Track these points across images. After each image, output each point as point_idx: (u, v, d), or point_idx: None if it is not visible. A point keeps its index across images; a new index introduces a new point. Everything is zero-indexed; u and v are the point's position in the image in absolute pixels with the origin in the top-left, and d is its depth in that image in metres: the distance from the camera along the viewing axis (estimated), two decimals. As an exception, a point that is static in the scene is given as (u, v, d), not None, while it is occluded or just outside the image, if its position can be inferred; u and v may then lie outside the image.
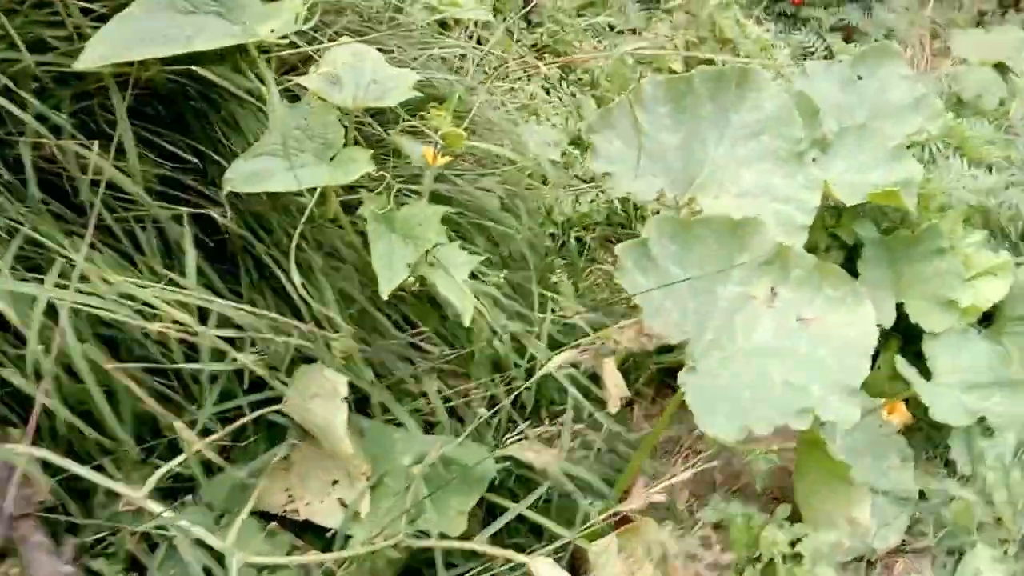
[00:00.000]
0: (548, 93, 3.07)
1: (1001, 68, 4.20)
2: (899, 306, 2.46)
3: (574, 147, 2.57)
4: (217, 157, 1.42)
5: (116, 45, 1.16)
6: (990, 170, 2.99)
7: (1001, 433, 2.27)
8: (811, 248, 2.41)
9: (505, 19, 3.12)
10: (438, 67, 1.79)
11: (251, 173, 1.26)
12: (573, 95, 3.28)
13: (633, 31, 3.98)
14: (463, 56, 2.00)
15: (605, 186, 2.13)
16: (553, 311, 2.01)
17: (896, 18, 4.25)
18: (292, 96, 1.48)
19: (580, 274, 2.55)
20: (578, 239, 2.79)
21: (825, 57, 3.93)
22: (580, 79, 3.34)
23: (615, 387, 1.97)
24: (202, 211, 1.33)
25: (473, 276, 1.66)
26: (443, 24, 2.01)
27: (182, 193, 1.41)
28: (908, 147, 2.48)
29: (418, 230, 1.50)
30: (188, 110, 1.43)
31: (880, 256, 2.44)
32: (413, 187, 1.64)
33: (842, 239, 2.50)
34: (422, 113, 1.57)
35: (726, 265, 1.82)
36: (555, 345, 2.02)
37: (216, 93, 1.41)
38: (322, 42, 1.58)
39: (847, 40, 4.18)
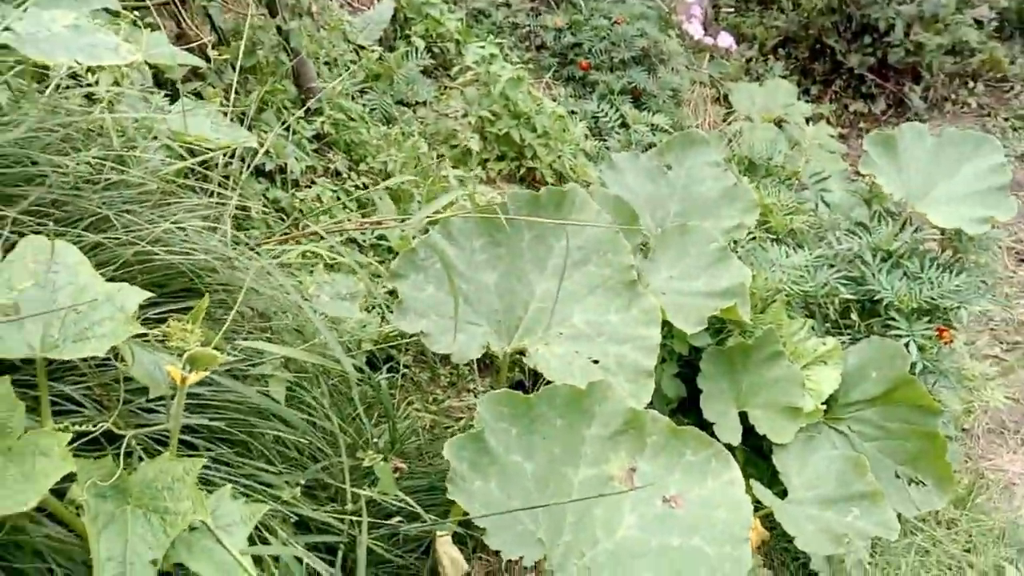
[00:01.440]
0: (338, 197, 2.66)
1: (779, 124, 4.33)
2: (743, 415, 2.31)
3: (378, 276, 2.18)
4: None
5: None
6: (799, 246, 2.96)
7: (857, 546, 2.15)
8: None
9: (280, 116, 2.68)
10: (177, 240, 1.34)
11: None
12: (365, 187, 2.90)
13: (424, 104, 3.67)
14: (218, 204, 1.55)
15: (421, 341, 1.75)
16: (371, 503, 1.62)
17: (679, 78, 4.25)
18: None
19: (395, 420, 2.17)
20: (391, 361, 2.41)
21: (621, 125, 3.82)
22: (371, 168, 2.96)
23: (452, 564, 1.62)
24: None
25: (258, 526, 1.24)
26: (185, 171, 1.56)
27: None
28: (730, 246, 2.34)
29: (165, 500, 1.05)
30: None
31: (719, 368, 2.27)
32: (153, 424, 1.19)
33: (677, 351, 2.30)
34: (162, 331, 1.12)
35: (575, 444, 1.52)
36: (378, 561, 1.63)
37: None
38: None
39: (636, 102, 4.12)
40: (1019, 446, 3.64)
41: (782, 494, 2.18)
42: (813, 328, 2.58)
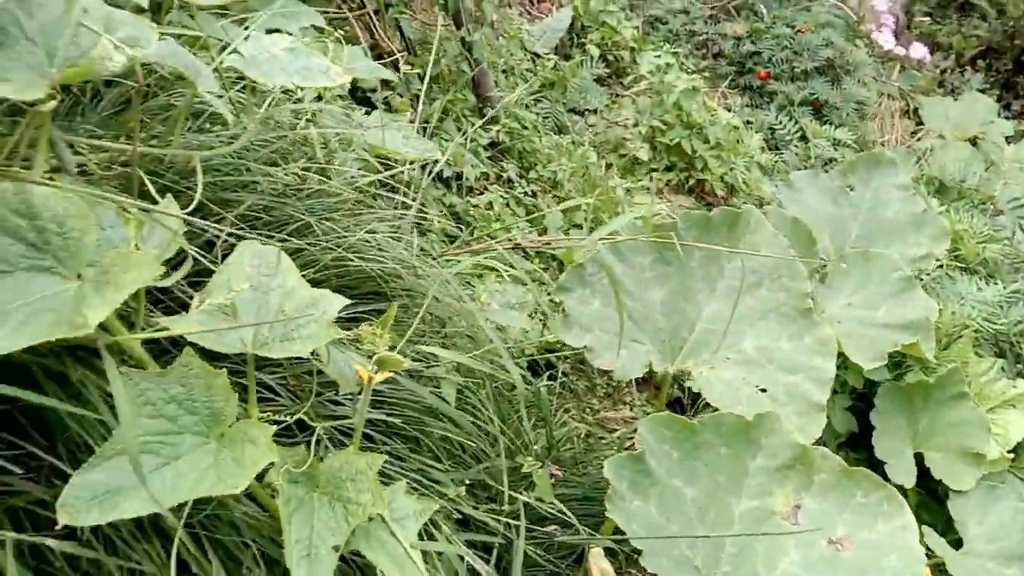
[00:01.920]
0: (508, 204, 2.74)
1: (975, 143, 4.02)
2: (918, 456, 2.17)
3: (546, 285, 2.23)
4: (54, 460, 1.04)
5: None
6: (992, 278, 2.75)
7: (1044, 610, 1.97)
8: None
9: (459, 125, 2.80)
10: (369, 247, 1.43)
11: (94, 495, 0.88)
12: (534, 194, 2.97)
13: (595, 112, 3.70)
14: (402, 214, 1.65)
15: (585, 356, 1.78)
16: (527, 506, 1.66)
17: (865, 90, 4.04)
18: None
19: (552, 427, 2.21)
20: (550, 369, 2.46)
21: (799, 138, 3.68)
22: (540, 176, 3.02)
23: (601, 576, 1.63)
24: (32, 538, 0.95)
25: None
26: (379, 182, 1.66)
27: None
28: (915, 276, 2.20)
29: (348, 490, 1.13)
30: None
31: (895, 405, 2.14)
32: (339, 417, 1.28)
33: (850, 383, 2.20)
34: (355, 334, 1.21)
35: (739, 475, 1.49)
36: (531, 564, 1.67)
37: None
38: (215, 238, 1.22)
39: (817, 115, 3.95)
40: None
41: (956, 544, 2.03)
42: (1003, 369, 2.38)
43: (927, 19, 5.90)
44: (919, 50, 4.55)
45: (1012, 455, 2.24)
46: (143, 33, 1.16)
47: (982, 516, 2.04)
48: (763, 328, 1.80)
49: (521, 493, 1.65)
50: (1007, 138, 4.67)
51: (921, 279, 2.57)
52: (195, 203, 1.16)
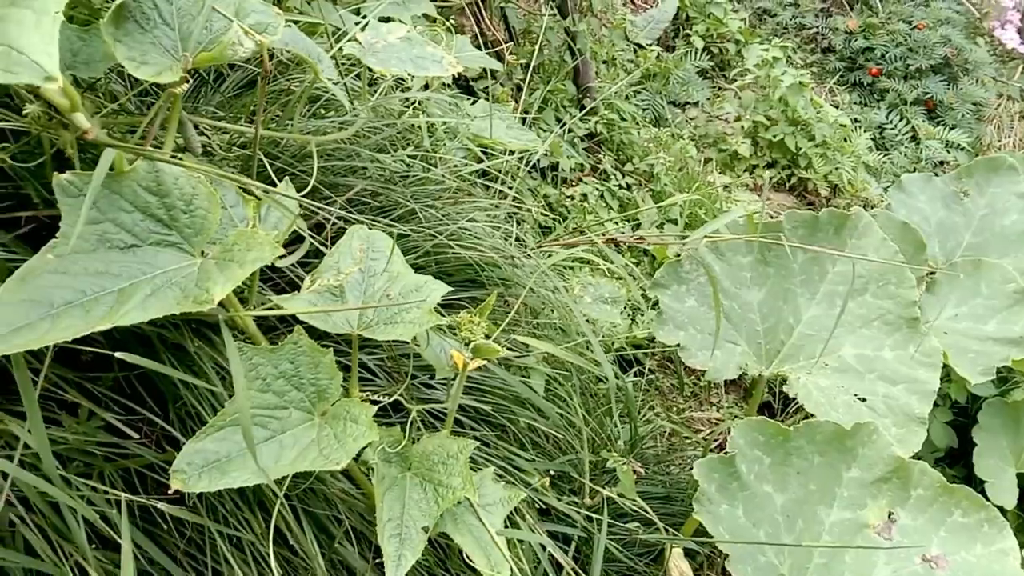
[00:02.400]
0: (602, 196, 2.74)
1: (1107, 148, 3.76)
2: (1020, 477, 2.07)
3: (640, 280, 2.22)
4: (167, 426, 1.10)
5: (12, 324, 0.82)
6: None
7: None
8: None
9: (559, 115, 2.80)
10: (467, 235, 1.46)
11: (205, 463, 0.93)
12: (628, 187, 2.95)
13: (696, 105, 3.64)
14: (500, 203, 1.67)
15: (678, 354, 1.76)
16: (609, 501, 1.67)
17: (983, 91, 3.83)
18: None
19: (637, 423, 2.20)
20: (636, 365, 2.45)
21: (910, 139, 3.53)
22: (636, 169, 3.00)
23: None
24: (144, 500, 1.01)
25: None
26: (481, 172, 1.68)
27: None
28: (1033, 289, 2.09)
29: (440, 473, 1.16)
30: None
31: (1000, 421, 2.05)
32: (431, 400, 1.31)
33: (952, 397, 2.12)
34: (454, 320, 1.24)
35: (831, 484, 1.46)
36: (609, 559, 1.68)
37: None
38: (326, 221, 1.26)
39: (930, 114, 3.78)
40: None
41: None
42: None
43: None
44: (1015, 38, 4.28)
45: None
46: (271, 20, 1.21)
47: (1090, 546, 1.93)
48: (865, 336, 1.74)
49: (604, 487, 1.66)
50: None
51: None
52: (311, 185, 1.20)
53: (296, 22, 1.50)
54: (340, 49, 1.36)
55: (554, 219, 2.48)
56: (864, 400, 1.65)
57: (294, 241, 1.20)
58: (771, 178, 3.31)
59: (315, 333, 1.12)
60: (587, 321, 1.86)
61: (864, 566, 1.41)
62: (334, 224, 1.32)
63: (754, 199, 3.12)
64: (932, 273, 2.10)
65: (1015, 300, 2.02)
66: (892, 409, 1.65)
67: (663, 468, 2.16)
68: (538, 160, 2.60)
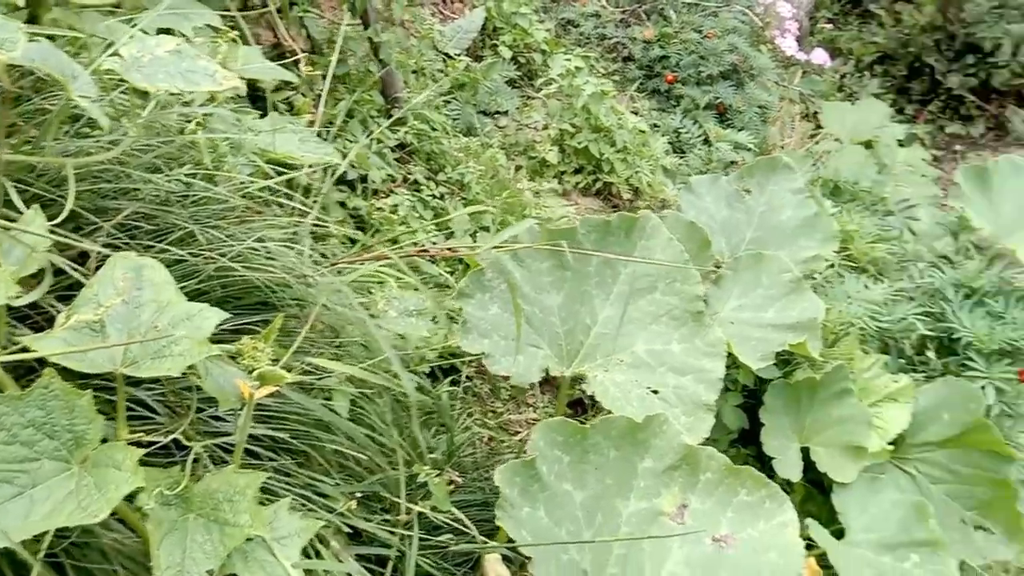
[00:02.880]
0: (415, 207, 2.73)
1: (870, 145, 4.21)
2: (805, 451, 2.27)
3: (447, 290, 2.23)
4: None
5: None
6: (880, 277, 2.89)
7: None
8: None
9: (366, 126, 2.77)
10: (257, 255, 1.41)
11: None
12: (441, 197, 2.96)
13: (506, 114, 3.72)
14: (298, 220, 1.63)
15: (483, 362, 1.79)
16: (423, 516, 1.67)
17: (767, 94, 4.18)
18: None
19: (453, 433, 2.22)
20: (454, 373, 2.46)
21: (703, 142, 3.78)
22: (448, 179, 3.02)
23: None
24: None
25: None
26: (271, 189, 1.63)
27: None
28: (805, 277, 2.30)
29: (225, 511, 1.11)
30: None
31: (783, 401, 2.23)
32: (222, 433, 1.26)
33: (741, 382, 2.28)
34: (236, 347, 1.19)
35: (627, 477, 1.53)
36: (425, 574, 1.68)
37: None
38: (87, 255, 1.18)
39: (721, 118, 4.07)
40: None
41: (839, 534, 2.13)
42: (886, 364, 2.51)
43: (829, 25, 6.14)
44: (820, 56, 4.73)
45: (892, 447, 2.37)
46: (10, 34, 1.12)
47: (863, 507, 2.15)
48: (655, 331, 1.85)
49: (418, 503, 1.66)
50: (899, 141, 4.91)
51: (814, 279, 2.69)
52: (66, 213, 1.12)
53: (52, 37, 1.39)
54: (100, 65, 1.28)
55: (364, 232, 2.45)
56: (656, 392, 1.75)
57: (54, 275, 1.11)
58: (578, 183, 3.44)
59: (76, 374, 1.04)
60: (398, 335, 1.86)
61: (660, 552, 1.49)
62: (99, 253, 1.23)
63: (563, 204, 3.23)
64: (718, 268, 2.26)
65: (791, 288, 2.22)
66: (682, 399, 1.76)
67: (482, 474, 2.19)
68: (346, 173, 2.56)
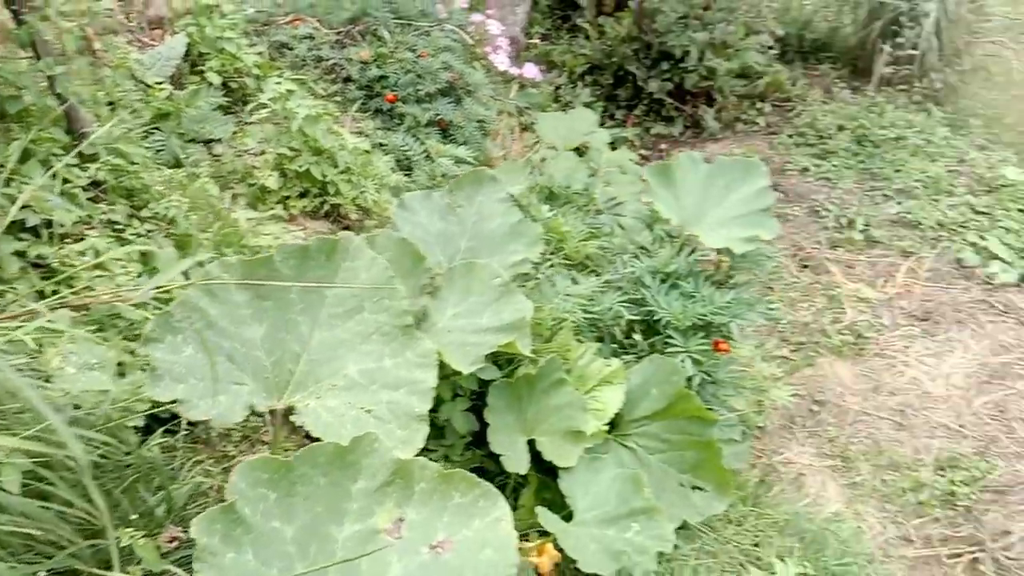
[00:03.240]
0: (114, 248, 2.54)
1: (581, 151, 4.54)
2: (532, 443, 2.39)
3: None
4: None
5: None
6: (594, 272, 3.12)
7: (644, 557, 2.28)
8: (437, 401, 2.24)
9: (48, 165, 2.53)
10: None
11: None
12: (148, 234, 2.78)
13: (220, 140, 3.58)
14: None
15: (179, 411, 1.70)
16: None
17: (484, 109, 4.36)
18: None
19: (168, 487, 2.09)
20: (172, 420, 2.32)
21: (427, 158, 3.87)
22: (154, 215, 2.85)
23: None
24: None
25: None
26: None
27: None
28: (515, 280, 2.43)
29: None
30: None
31: (505, 400, 2.34)
32: None
33: (467, 387, 2.37)
34: None
35: (339, 501, 1.53)
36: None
37: None
38: None
39: (444, 133, 4.20)
40: (807, 439, 3.97)
41: (570, 516, 2.27)
42: (600, 351, 2.72)
43: (543, 41, 6.55)
44: (531, 70, 5.03)
45: (612, 427, 2.57)
46: None
47: (587, 487, 2.31)
48: (367, 350, 1.86)
49: (128, 571, 1.55)
50: (612, 143, 5.34)
51: (536, 278, 2.85)
52: None
53: None
54: None
55: (47, 280, 2.24)
56: (371, 411, 1.77)
57: None
58: (305, 207, 3.39)
59: None
60: (84, 390, 1.71)
61: (379, 569, 1.50)
62: None
63: (288, 229, 3.16)
64: (433, 280, 2.32)
65: (501, 293, 2.33)
66: (396, 413, 1.79)
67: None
68: (24, 219, 2.33)
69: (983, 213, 5.00)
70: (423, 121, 4.11)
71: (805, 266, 4.86)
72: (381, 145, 4.00)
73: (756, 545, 3.07)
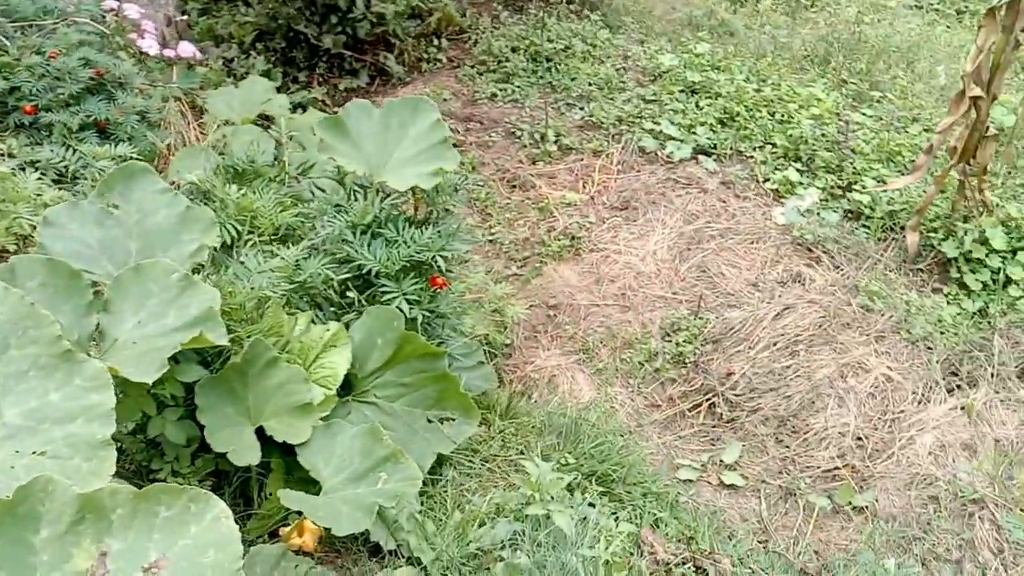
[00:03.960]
0: None
1: (268, 119, 4.35)
2: (261, 431, 2.30)
3: None
4: None
5: None
6: (289, 238, 3.02)
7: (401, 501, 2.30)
8: (144, 418, 2.08)
9: None
10: None
11: None
12: None
13: None
14: None
15: None
16: None
17: (142, 99, 4.02)
18: None
19: None
20: None
21: (83, 166, 3.51)
22: None
23: None
24: None
25: None
26: None
27: None
28: (195, 272, 2.28)
29: None
30: None
31: (218, 395, 2.22)
32: None
33: (176, 394, 2.21)
34: None
35: (24, 557, 1.36)
36: None
37: None
38: None
39: (103, 134, 3.82)
40: (551, 343, 4.20)
41: (320, 491, 2.23)
42: (317, 318, 2.66)
43: (205, 16, 6.13)
44: (187, 48, 4.70)
45: (349, 388, 2.54)
46: None
47: (328, 455, 2.27)
48: (25, 390, 1.66)
49: None
50: (300, 106, 5.17)
51: (225, 264, 2.70)
52: None
53: None
54: None
55: None
56: (44, 453, 1.59)
57: None
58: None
59: None
60: None
61: (87, 614, 1.37)
62: None
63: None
64: (97, 293, 2.12)
65: (183, 288, 2.18)
66: (77, 447, 1.63)
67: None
68: None
69: (652, 101, 5.46)
70: (75, 126, 3.71)
71: (514, 186, 5.06)
72: (33, 163, 3.56)
73: (521, 453, 3.22)
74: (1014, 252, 4.07)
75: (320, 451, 2.24)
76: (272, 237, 3.13)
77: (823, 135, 4.96)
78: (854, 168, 4.74)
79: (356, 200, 3.01)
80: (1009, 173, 4.68)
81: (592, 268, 4.53)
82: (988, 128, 3.91)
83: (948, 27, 6.79)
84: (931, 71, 5.76)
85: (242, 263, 2.57)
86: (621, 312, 4.32)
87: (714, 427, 3.74)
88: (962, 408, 3.62)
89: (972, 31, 6.25)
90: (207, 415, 2.16)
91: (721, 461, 3.55)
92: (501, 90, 5.65)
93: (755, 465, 3.52)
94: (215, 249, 2.52)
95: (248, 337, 2.31)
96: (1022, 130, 4.82)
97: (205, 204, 2.79)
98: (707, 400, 3.87)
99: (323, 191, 3.44)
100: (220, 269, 2.60)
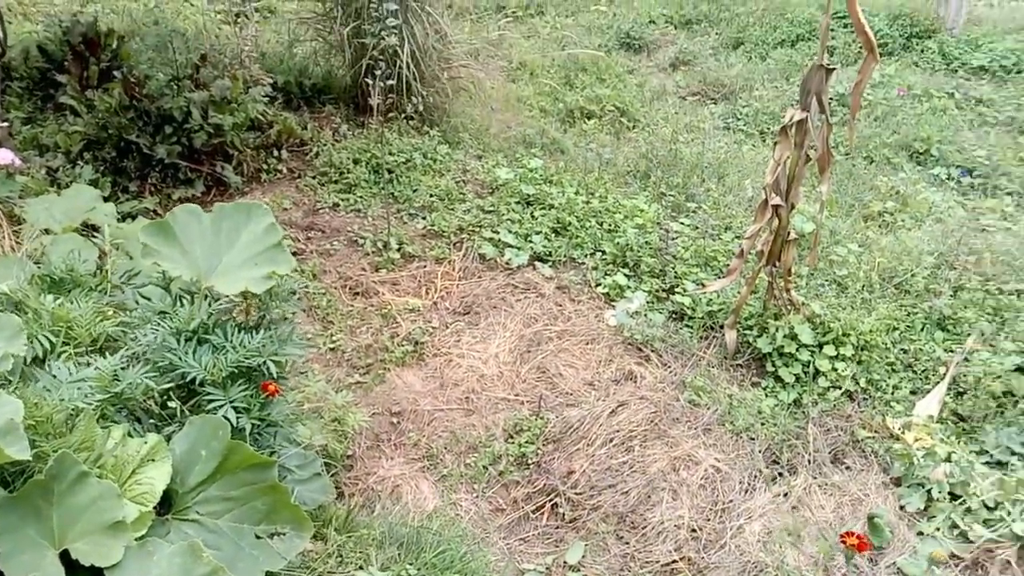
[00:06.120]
0: None
1: (86, 230, 4.17)
2: (66, 554, 2.11)
3: None
4: None
5: None
6: (108, 348, 2.87)
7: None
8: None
9: None
10: None
11: None
12: None
13: None
14: None
15: None
16: None
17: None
18: None
19: None
20: None
21: None
22: None
23: None
24: None
25: None
26: None
27: None
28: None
29: None
30: None
31: (19, 516, 2.03)
32: None
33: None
34: None
35: None
36: None
37: None
38: None
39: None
40: (394, 451, 4.13)
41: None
42: (134, 431, 2.51)
43: (29, 125, 5.88)
44: (6, 156, 4.48)
45: (168, 505, 2.39)
46: None
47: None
48: None
49: None
50: (130, 216, 5.00)
51: (33, 376, 2.51)
52: None
53: None
54: None
55: None
56: None
57: None
58: None
59: None
60: None
61: None
62: None
63: None
64: None
65: (-21, 400, 2.01)
66: None
67: None
68: None
69: (491, 212, 5.70)
70: None
71: (356, 293, 5.06)
72: None
73: (360, 567, 3.10)
74: (820, 346, 4.45)
75: (134, 574, 2.07)
76: (90, 348, 2.96)
77: (647, 243, 5.32)
78: (675, 273, 5.09)
79: (182, 306, 2.91)
80: (811, 274, 5.17)
81: (436, 373, 4.54)
82: (790, 233, 4.33)
83: (753, 145, 7.56)
84: (739, 184, 6.37)
85: (53, 376, 2.40)
86: (465, 416, 4.33)
87: (557, 528, 3.76)
88: (784, 495, 3.84)
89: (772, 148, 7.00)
90: (3, 538, 1.95)
91: (565, 563, 3.56)
92: (343, 199, 5.72)
93: (598, 564, 3.55)
94: (25, 362, 2.35)
95: (55, 452, 2.14)
96: (822, 236, 5.38)
97: (15, 315, 2.62)
98: (550, 500, 3.90)
99: (148, 299, 3.31)
100: (29, 382, 2.42)
